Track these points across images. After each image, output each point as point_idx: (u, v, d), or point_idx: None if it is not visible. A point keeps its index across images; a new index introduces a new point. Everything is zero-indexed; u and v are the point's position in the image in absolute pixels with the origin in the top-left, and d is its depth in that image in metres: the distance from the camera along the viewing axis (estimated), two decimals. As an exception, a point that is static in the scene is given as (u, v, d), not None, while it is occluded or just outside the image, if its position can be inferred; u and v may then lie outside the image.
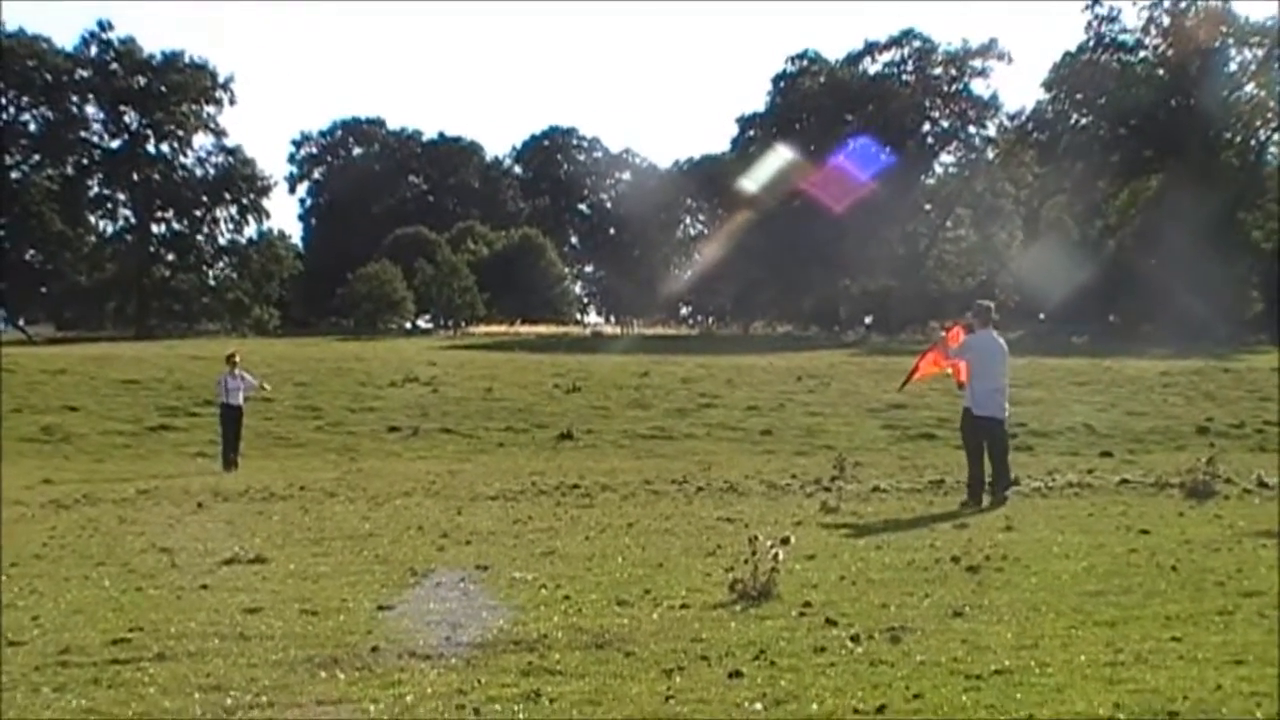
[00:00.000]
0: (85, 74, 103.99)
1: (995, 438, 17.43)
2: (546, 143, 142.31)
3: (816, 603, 10.01)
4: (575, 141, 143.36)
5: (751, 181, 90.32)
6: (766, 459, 27.23)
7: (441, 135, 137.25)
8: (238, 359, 27.97)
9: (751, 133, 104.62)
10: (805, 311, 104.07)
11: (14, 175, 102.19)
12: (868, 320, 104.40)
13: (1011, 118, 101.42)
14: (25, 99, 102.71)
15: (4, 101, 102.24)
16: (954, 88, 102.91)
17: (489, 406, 34.92)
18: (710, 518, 16.15)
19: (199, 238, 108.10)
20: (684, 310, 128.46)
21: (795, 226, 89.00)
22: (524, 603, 10.25)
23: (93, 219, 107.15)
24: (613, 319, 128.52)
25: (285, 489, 20.72)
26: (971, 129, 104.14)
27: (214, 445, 28.88)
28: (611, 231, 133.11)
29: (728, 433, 32.00)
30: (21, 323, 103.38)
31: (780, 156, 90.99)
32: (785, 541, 12.08)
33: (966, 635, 8.85)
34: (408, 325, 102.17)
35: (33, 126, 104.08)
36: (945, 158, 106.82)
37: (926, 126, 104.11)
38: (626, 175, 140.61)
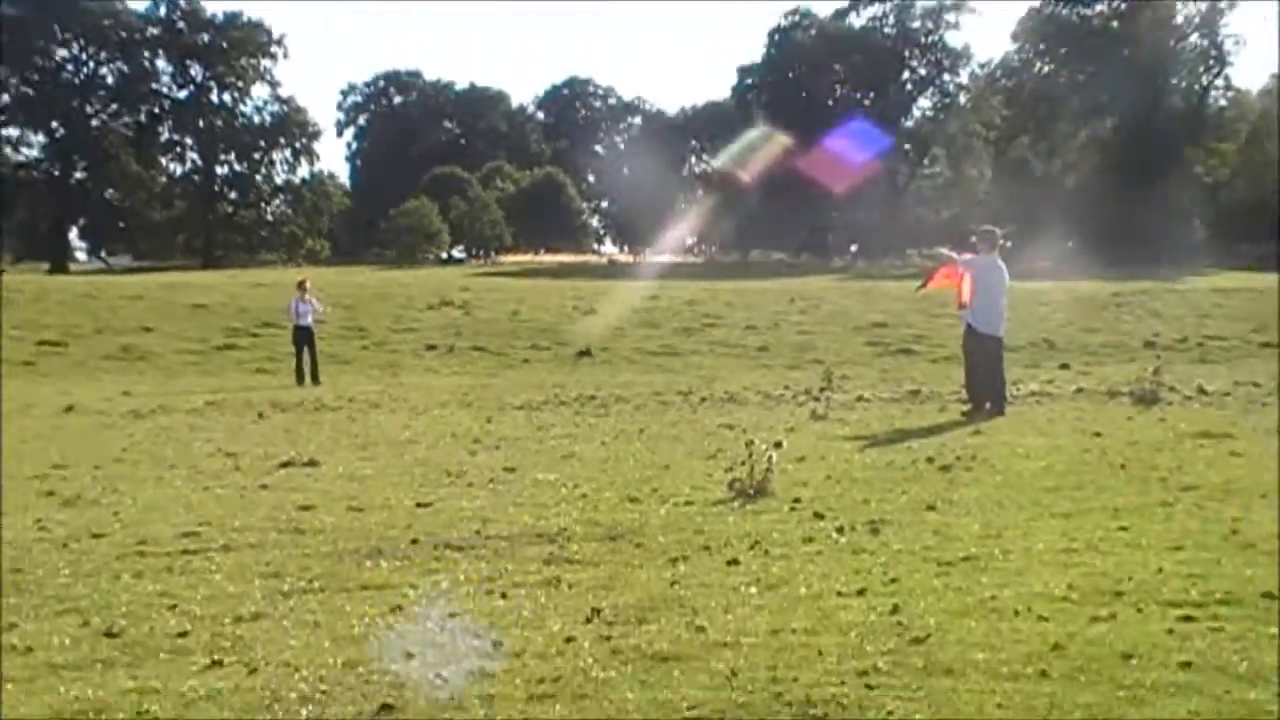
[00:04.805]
0: (155, 32, 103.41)
1: (993, 353, 16.74)
2: (566, 91, 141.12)
3: (806, 499, 10.00)
4: (591, 90, 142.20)
5: (750, 127, 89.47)
6: (763, 373, 27.17)
7: (472, 85, 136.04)
8: (308, 285, 27.09)
9: (750, 80, 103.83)
10: (798, 240, 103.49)
11: (94, 124, 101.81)
12: (854, 248, 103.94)
13: (982, 66, 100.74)
14: (103, 54, 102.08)
15: (85, 57, 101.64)
16: (930, 39, 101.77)
17: (516, 327, 34.86)
18: (712, 425, 16.08)
19: (257, 178, 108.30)
20: (690, 241, 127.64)
21: (790, 165, 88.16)
22: (546, 500, 10.25)
23: (164, 161, 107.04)
24: (626, 248, 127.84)
25: (335, 401, 20.73)
26: (946, 76, 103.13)
27: (272, 363, 28.95)
28: (625, 170, 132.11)
29: (728, 349, 31.95)
30: (103, 254, 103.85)
31: (775, 104, 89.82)
32: (778, 445, 12.04)
33: (938, 527, 8.85)
34: (443, 255, 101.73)
35: (110, 80, 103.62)
36: (923, 102, 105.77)
37: (905, 74, 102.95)
38: (638, 120, 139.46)
